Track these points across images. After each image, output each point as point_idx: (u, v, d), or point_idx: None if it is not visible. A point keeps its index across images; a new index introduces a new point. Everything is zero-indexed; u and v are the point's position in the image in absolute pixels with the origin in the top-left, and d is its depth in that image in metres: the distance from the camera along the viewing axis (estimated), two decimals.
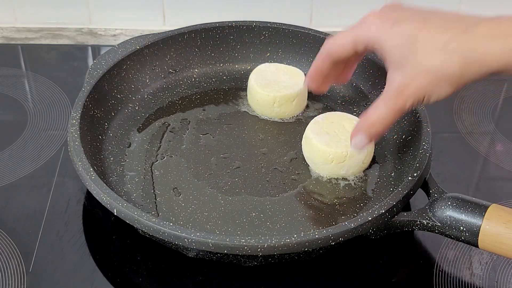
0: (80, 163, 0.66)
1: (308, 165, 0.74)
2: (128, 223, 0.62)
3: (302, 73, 0.82)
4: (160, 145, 0.77)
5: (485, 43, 0.54)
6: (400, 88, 0.58)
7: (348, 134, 0.72)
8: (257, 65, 0.83)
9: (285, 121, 0.81)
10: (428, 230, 0.64)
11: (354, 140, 0.65)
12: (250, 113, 0.82)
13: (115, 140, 0.77)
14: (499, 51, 0.54)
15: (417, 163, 0.67)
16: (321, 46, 0.84)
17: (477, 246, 0.61)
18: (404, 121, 0.76)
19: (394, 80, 0.59)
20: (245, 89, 0.84)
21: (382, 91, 0.79)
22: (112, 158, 0.74)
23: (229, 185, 0.72)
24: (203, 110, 0.83)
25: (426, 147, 0.69)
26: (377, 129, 0.62)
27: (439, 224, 0.63)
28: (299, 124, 0.80)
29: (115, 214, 0.63)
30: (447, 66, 0.56)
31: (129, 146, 0.77)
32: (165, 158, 0.76)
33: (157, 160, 0.75)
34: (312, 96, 0.83)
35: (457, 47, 0.55)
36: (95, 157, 0.72)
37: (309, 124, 0.75)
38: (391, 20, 0.59)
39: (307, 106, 0.83)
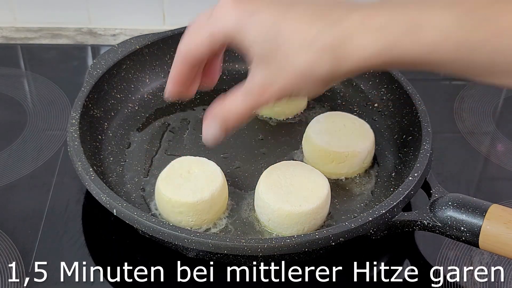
0: (79, 163, 0.66)
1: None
2: (128, 223, 0.62)
3: None
4: (160, 145, 0.77)
5: (356, 37, 0.47)
6: (263, 86, 0.52)
7: (350, 135, 0.72)
8: None
9: (285, 121, 0.81)
10: (428, 231, 0.64)
11: (207, 127, 0.57)
12: None
13: (114, 140, 0.76)
14: (372, 45, 0.47)
15: (417, 163, 0.67)
16: None
17: (477, 246, 0.61)
18: (404, 121, 0.76)
19: (256, 75, 0.52)
20: None
21: (382, 91, 0.80)
22: (112, 158, 0.74)
23: (229, 185, 0.72)
24: (203, 110, 0.82)
25: (427, 147, 0.69)
26: (231, 123, 0.55)
27: (439, 224, 0.63)
28: (299, 124, 0.80)
29: (115, 214, 0.62)
30: (315, 66, 0.49)
31: (129, 146, 0.77)
32: (165, 158, 0.75)
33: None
34: None
35: (325, 44, 0.48)
36: (95, 157, 0.72)
37: (310, 123, 0.74)
38: (248, 10, 0.51)
39: (307, 106, 0.82)
